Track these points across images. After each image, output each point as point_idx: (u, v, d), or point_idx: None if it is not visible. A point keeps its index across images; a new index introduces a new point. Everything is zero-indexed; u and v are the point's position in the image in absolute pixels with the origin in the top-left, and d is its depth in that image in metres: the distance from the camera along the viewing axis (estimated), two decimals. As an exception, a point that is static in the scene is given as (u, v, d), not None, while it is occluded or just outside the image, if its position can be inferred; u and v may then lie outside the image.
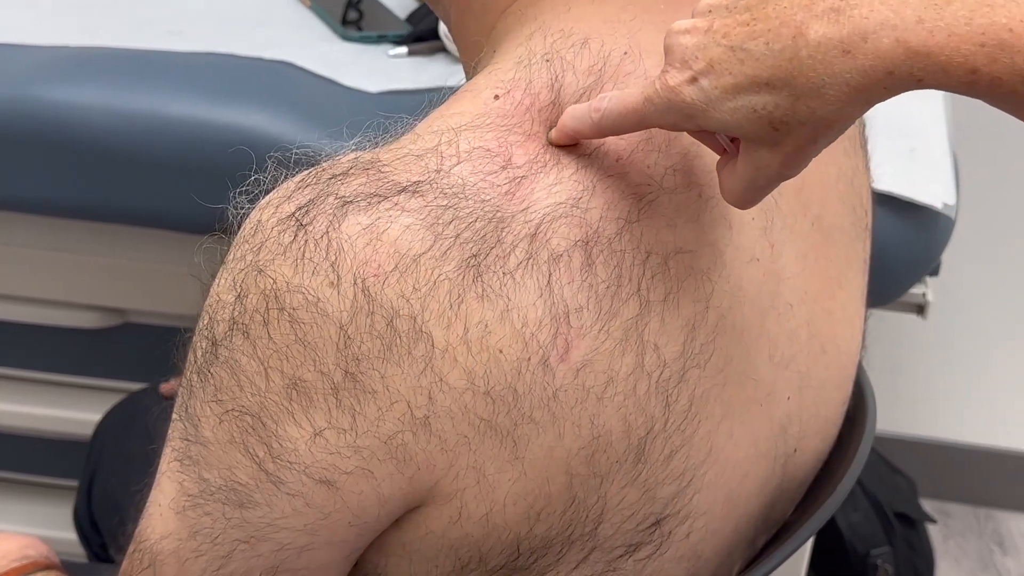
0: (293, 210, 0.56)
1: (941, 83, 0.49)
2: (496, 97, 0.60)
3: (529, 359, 0.56)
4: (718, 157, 0.59)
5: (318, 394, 0.55)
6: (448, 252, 0.55)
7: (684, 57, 0.54)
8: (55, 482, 1.43)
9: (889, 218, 1.05)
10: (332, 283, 0.54)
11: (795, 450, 0.72)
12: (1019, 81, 0.48)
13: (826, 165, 0.72)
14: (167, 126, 1.09)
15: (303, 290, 0.55)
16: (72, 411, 1.36)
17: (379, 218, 0.55)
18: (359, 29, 1.27)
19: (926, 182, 1.08)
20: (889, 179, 1.05)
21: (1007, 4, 0.48)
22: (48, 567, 0.86)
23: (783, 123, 0.52)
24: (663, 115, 0.55)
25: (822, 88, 0.50)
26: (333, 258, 0.55)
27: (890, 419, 1.88)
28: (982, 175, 1.61)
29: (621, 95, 0.57)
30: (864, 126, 0.80)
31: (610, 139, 0.60)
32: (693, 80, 0.53)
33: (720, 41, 0.53)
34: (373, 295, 0.54)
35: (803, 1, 0.51)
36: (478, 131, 0.58)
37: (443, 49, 1.25)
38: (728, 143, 0.57)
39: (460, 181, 0.56)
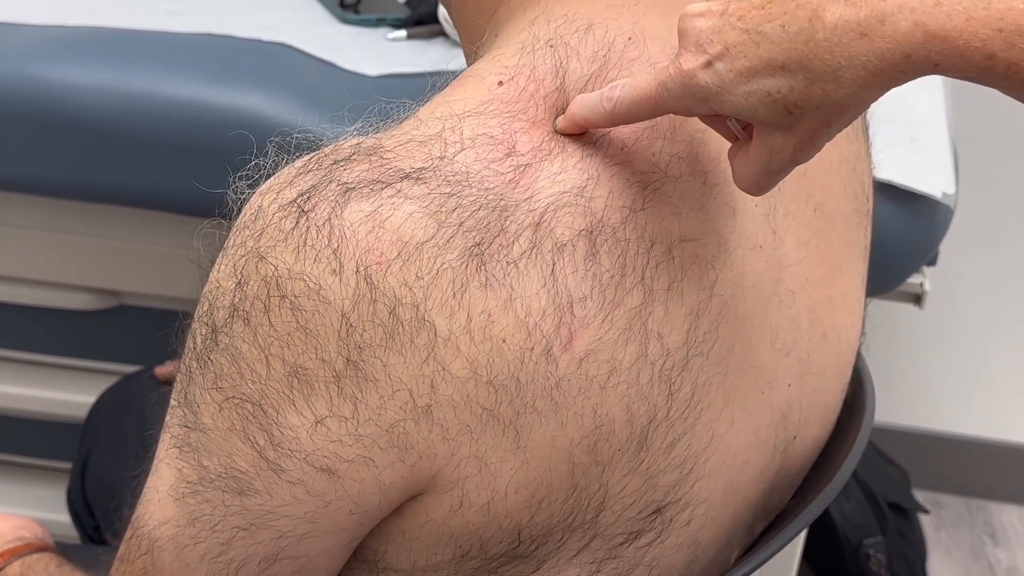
0: (295, 196, 0.56)
1: (958, 68, 0.49)
2: (500, 83, 0.59)
3: (532, 349, 0.55)
4: (723, 144, 0.59)
5: (319, 382, 0.55)
6: (451, 240, 0.55)
7: (699, 41, 0.53)
8: (49, 464, 1.42)
9: (888, 207, 1.04)
10: (334, 271, 0.54)
11: (795, 437, 0.72)
12: None
13: (829, 151, 0.71)
14: (164, 107, 1.09)
15: (305, 277, 0.54)
16: (66, 393, 1.35)
17: (382, 205, 0.55)
18: (357, 12, 1.27)
19: (925, 171, 1.08)
20: (889, 168, 1.04)
21: None
22: (42, 549, 0.86)
23: (797, 107, 0.52)
24: (678, 100, 0.55)
25: (838, 71, 0.50)
26: (335, 245, 0.54)
27: (884, 409, 1.87)
28: (981, 165, 1.60)
29: (633, 83, 0.56)
30: (865, 112, 0.79)
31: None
32: (708, 64, 0.53)
33: (735, 24, 0.52)
34: (376, 283, 0.54)
35: None
36: (482, 118, 0.58)
37: (442, 33, 1.24)
38: (740, 130, 0.57)
39: (464, 168, 0.56)
